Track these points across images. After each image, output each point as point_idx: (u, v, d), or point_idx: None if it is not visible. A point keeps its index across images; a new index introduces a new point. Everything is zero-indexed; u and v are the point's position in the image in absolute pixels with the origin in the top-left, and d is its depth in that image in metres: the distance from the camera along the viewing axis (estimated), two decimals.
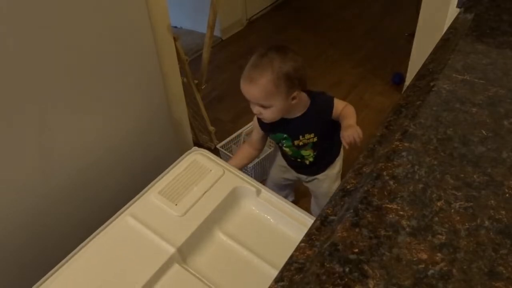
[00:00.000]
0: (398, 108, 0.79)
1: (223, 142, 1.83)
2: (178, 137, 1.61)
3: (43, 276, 0.90)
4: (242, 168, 1.39)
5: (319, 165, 1.35)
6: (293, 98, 1.15)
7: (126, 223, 1.00)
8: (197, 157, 1.14)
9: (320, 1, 3.43)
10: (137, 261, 0.93)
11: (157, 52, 1.30)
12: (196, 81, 1.83)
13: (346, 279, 0.50)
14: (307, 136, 1.24)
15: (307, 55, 2.64)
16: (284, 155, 1.38)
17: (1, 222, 1.02)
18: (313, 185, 1.42)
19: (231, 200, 1.07)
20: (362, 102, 2.27)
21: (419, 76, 0.88)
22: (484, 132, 0.71)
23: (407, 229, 0.55)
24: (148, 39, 1.24)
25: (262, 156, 1.71)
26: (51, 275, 0.90)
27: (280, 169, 1.45)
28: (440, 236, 0.54)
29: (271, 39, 2.88)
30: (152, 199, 1.05)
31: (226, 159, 1.57)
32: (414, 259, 0.52)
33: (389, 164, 0.66)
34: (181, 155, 1.16)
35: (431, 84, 0.83)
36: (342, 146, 1.38)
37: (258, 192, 1.06)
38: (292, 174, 1.43)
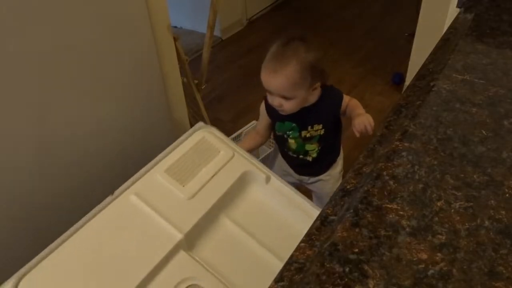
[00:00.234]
0: (398, 108, 0.79)
1: None
2: (178, 137, 1.61)
3: (37, 255, 0.85)
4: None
5: (322, 164, 1.32)
6: (314, 89, 1.13)
7: (130, 202, 0.93)
8: (206, 135, 1.07)
9: (320, 1, 3.43)
10: (141, 245, 0.87)
11: (157, 52, 1.30)
12: (196, 81, 1.83)
13: (346, 279, 0.50)
14: (315, 127, 1.21)
15: None
16: (285, 154, 1.33)
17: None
18: (317, 186, 1.38)
19: (240, 185, 1.02)
20: (362, 102, 2.23)
21: (419, 76, 0.88)
22: (484, 132, 0.71)
23: (407, 229, 0.55)
24: (148, 39, 1.24)
25: (261, 156, 1.70)
26: (47, 255, 0.84)
27: (280, 173, 1.42)
28: (440, 236, 0.54)
29: (271, 39, 2.88)
30: (158, 177, 0.98)
31: None
32: (414, 259, 0.52)
33: (389, 164, 0.65)
34: None
35: (431, 84, 0.83)
36: (341, 147, 1.37)
37: (268, 179, 1.02)
38: (293, 178, 1.37)
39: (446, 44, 0.98)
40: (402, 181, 0.63)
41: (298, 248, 0.56)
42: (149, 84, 1.32)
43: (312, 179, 1.36)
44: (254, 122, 1.75)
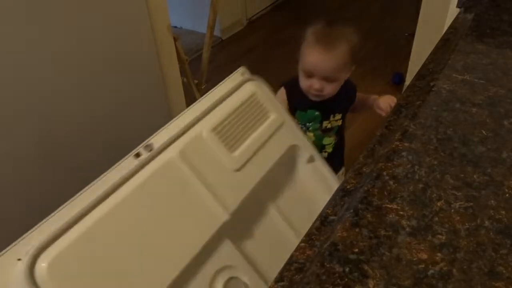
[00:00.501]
0: (398, 108, 0.79)
1: None
2: None
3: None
4: None
5: (336, 160, 1.28)
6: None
7: (174, 164, 0.75)
8: (257, 91, 0.91)
9: (320, 1, 3.43)
10: (184, 222, 0.73)
11: (157, 52, 1.30)
12: (196, 81, 1.83)
13: (346, 279, 0.50)
14: (336, 116, 1.20)
15: None
16: None
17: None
18: None
19: (285, 161, 0.90)
20: None
21: (419, 76, 0.88)
22: (484, 132, 0.71)
23: (407, 229, 0.55)
24: (148, 39, 1.24)
25: None
26: (71, 225, 0.65)
27: None
28: (440, 236, 0.54)
29: (271, 39, 2.89)
30: (204, 136, 0.80)
31: None
32: (414, 259, 0.52)
33: (389, 164, 0.65)
34: None
35: (431, 84, 0.83)
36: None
37: (311, 159, 0.93)
38: None
39: (446, 44, 0.98)
40: (402, 181, 0.63)
41: (298, 248, 0.56)
42: (149, 84, 1.32)
43: None
44: None
